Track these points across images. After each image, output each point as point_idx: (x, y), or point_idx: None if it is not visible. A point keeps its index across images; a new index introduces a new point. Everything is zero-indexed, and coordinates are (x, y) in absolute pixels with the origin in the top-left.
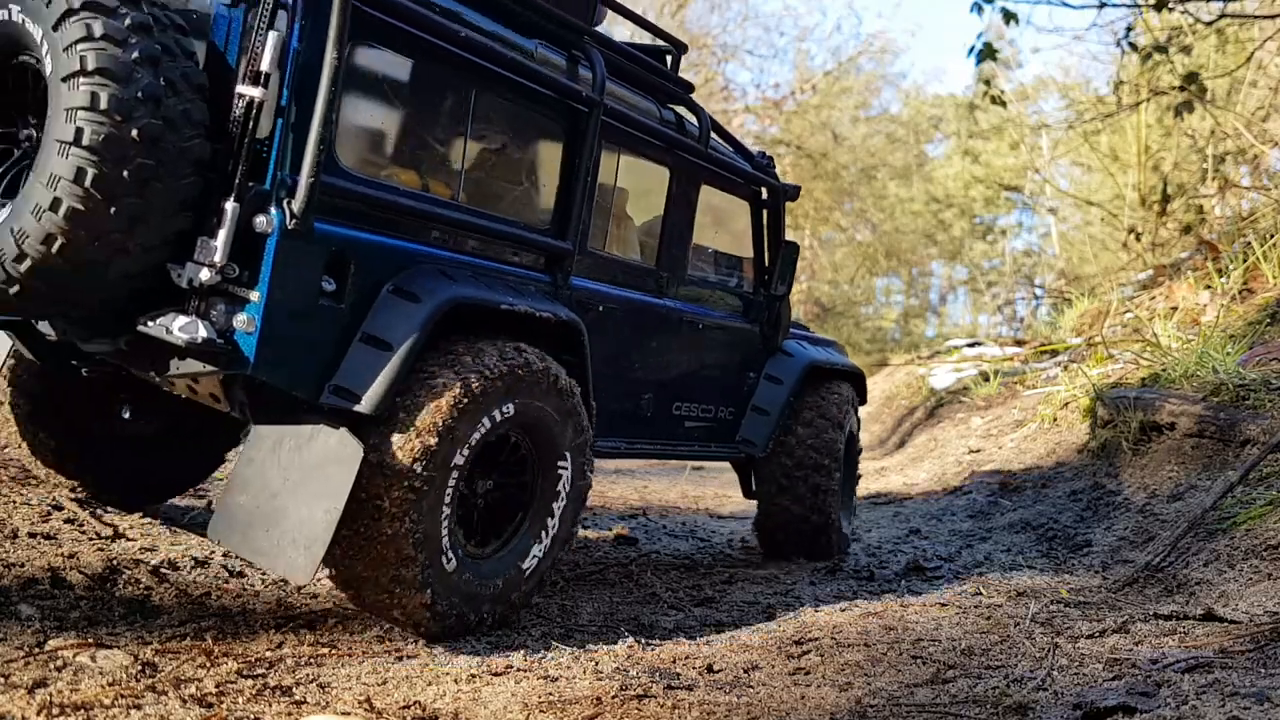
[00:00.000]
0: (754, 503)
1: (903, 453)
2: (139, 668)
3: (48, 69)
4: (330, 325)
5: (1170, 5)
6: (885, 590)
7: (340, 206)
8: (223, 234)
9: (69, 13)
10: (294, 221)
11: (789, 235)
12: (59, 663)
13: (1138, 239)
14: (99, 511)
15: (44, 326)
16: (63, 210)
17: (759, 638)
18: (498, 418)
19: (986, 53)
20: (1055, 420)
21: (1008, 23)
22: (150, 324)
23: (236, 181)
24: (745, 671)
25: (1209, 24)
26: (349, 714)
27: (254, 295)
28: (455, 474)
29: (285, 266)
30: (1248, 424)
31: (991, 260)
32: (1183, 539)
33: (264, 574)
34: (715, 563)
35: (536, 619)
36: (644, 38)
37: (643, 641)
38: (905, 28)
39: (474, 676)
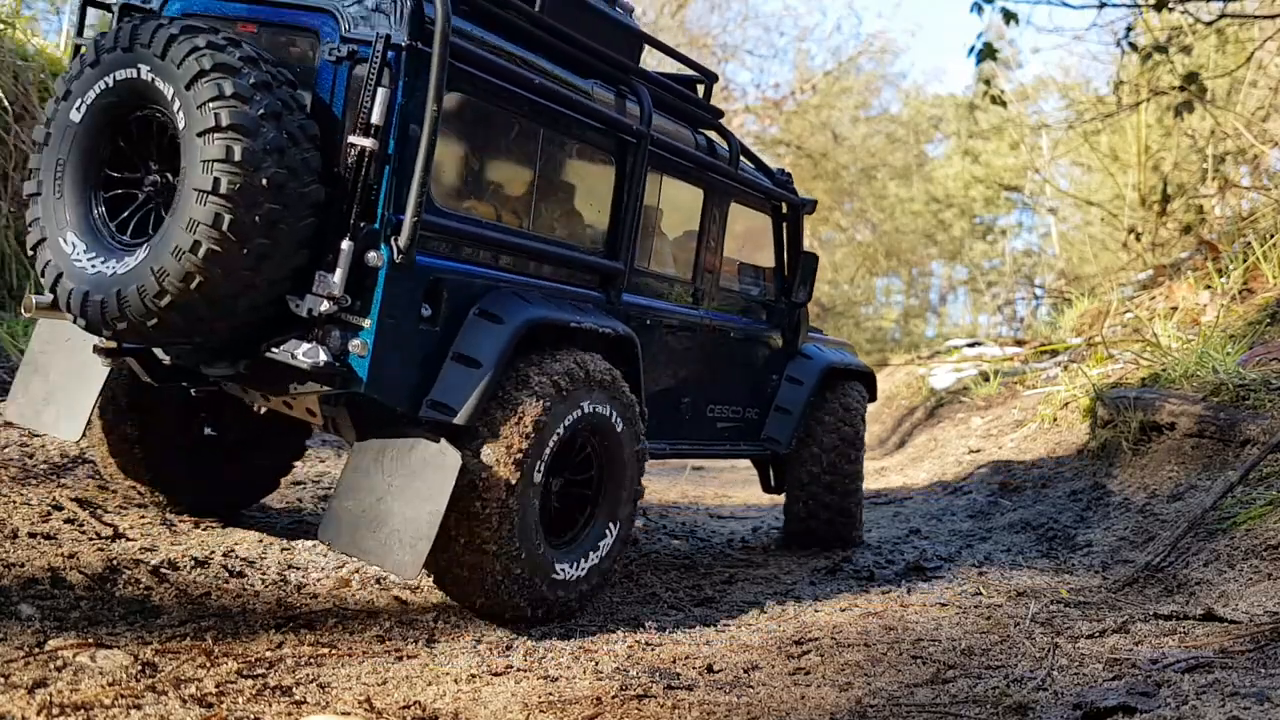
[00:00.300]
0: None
1: (903, 453)
2: (139, 668)
3: (180, 123)
4: (427, 346)
5: (1170, 5)
6: (885, 590)
7: (434, 240)
8: (340, 270)
9: (201, 74)
10: (400, 257)
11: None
12: (59, 663)
13: (1138, 239)
14: (99, 511)
15: (159, 352)
16: (202, 252)
17: (759, 638)
18: (572, 419)
19: (986, 53)
20: (1055, 420)
21: (1008, 23)
22: (275, 350)
23: (351, 222)
24: (745, 671)
25: (1209, 24)
26: (349, 714)
27: (365, 322)
28: (538, 472)
29: (392, 296)
30: (1248, 424)
31: (991, 260)
32: (1183, 539)
33: (263, 574)
34: (715, 563)
35: None
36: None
37: (643, 641)
38: (905, 28)
39: (474, 676)
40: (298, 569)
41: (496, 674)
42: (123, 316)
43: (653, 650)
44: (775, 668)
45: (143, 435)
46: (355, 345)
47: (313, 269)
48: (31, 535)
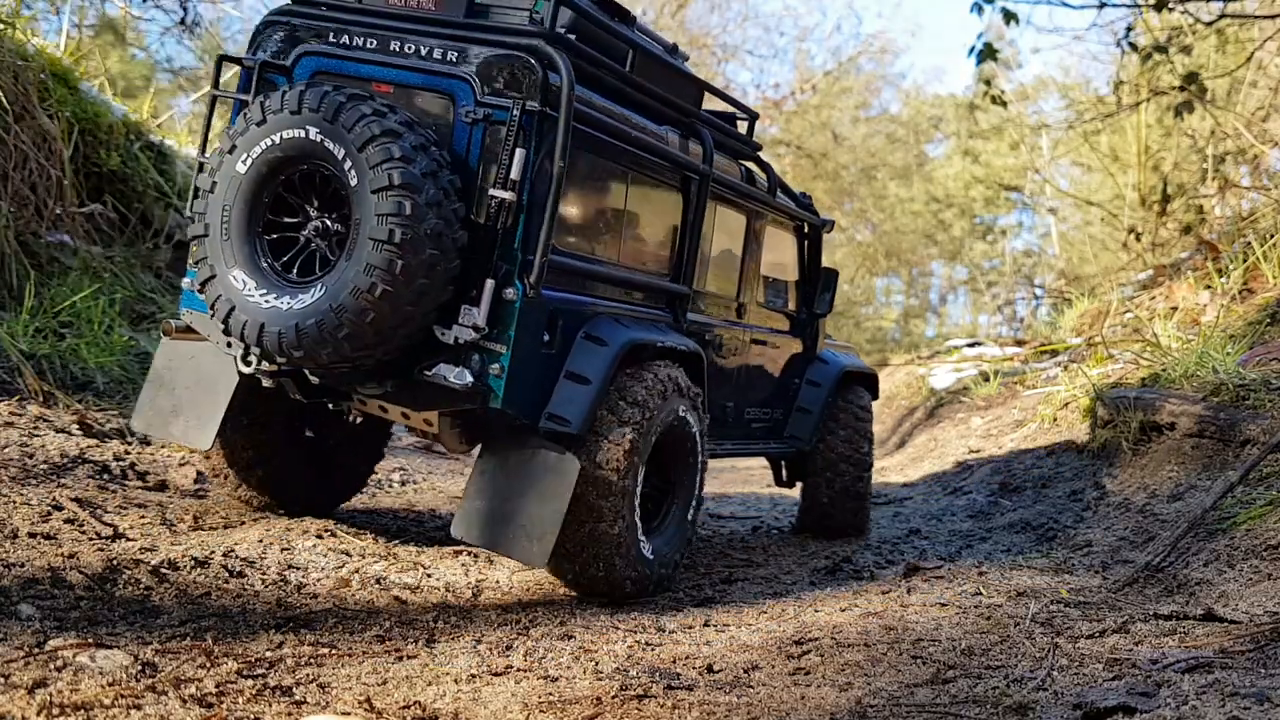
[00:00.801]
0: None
1: (903, 453)
2: (139, 668)
3: (352, 180)
4: (546, 367)
5: (1170, 5)
6: (885, 590)
7: (552, 275)
8: (484, 304)
9: (372, 139)
10: (531, 291)
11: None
12: (59, 663)
13: (1138, 239)
14: (99, 511)
15: (307, 373)
16: (378, 292)
17: (759, 638)
18: (662, 424)
19: (987, 53)
20: (1055, 420)
21: (1008, 23)
22: (428, 373)
23: (493, 264)
24: (745, 671)
25: (1209, 24)
26: (349, 714)
27: (501, 349)
28: (639, 471)
29: (524, 326)
30: (1248, 424)
31: (991, 260)
32: (1183, 539)
33: (263, 574)
34: (715, 562)
35: (536, 619)
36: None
37: (643, 641)
38: (905, 28)
39: (474, 676)
40: (298, 569)
41: (496, 674)
42: (299, 346)
43: (653, 650)
44: (775, 668)
45: (263, 443)
46: (494, 368)
47: (456, 303)
48: (31, 535)
